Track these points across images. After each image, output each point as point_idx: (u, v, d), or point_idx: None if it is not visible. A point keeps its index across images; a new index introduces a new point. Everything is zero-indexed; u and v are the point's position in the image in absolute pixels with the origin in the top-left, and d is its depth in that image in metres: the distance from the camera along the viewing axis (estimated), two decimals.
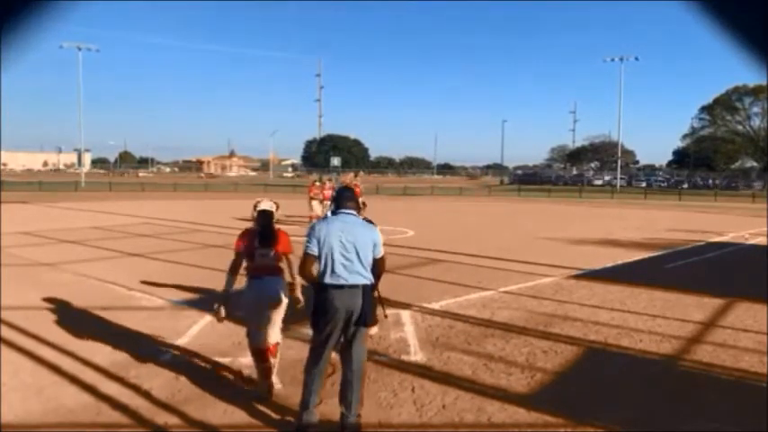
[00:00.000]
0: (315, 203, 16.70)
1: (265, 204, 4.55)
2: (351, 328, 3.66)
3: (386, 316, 5.41)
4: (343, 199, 3.86)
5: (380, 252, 3.77)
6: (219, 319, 4.45)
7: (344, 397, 3.69)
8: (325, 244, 3.65)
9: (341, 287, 3.61)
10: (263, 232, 4.40)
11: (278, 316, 4.46)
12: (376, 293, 3.87)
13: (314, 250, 3.67)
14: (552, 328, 6.32)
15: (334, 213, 3.84)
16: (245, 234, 4.44)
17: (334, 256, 3.62)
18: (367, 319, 3.66)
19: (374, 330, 5.39)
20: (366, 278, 3.69)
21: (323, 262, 3.66)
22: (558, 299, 7.86)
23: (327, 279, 3.64)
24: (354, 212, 3.85)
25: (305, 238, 3.78)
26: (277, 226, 4.55)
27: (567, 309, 7.29)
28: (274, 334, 4.48)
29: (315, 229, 3.74)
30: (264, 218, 4.46)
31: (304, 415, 3.69)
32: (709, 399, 4.43)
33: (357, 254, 3.64)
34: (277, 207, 4.63)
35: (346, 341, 3.72)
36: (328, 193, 17.27)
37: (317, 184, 17.48)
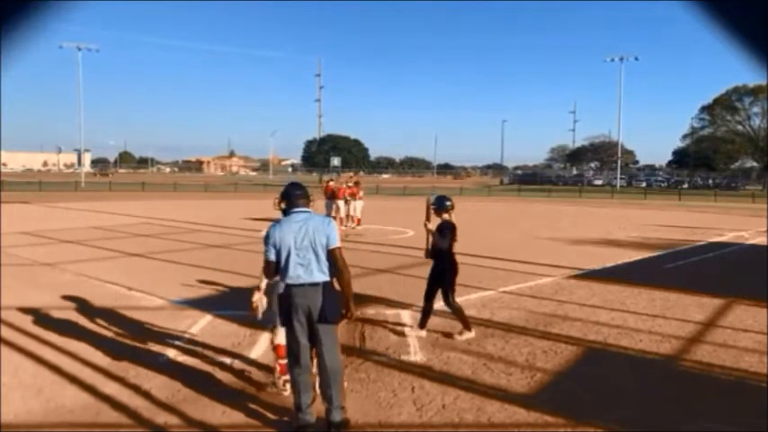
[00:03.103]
0: (340, 203, 16.78)
1: None
2: (315, 326, 3.67)
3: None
4: (294, 197, 3.84)
5: (334, 243, 3.73)
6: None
7: (325, 394, 3.73)
8: (282, 247, 3.69)
9: (301, 285, 3.67)
10: None
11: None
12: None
13: (272, 256, 3.74)
14: (552, 328, 6.32)
15: (286, 213, 3.84)
16: None
17: (291, 258, 3.67)
18: (329, 315, 3.67)
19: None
20: (325, 275, 3.72)
21: (282, 264, 3.71)
22: (558, 299, 7.86)
23: (287, 280, 3.71)
24: (307, 209, 3.86)
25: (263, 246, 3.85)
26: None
27: (567, 309, 7.29)
28: (278, 335, 4.48)
29: (269, 235, 3.77)
30: None
31: (299, 416, 3.70)
32: (709, 399, 4.43)
33: (314, 252, 3.68)
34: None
35: (315, 340, 3.71)
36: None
37: (331, 183, 17.51)
